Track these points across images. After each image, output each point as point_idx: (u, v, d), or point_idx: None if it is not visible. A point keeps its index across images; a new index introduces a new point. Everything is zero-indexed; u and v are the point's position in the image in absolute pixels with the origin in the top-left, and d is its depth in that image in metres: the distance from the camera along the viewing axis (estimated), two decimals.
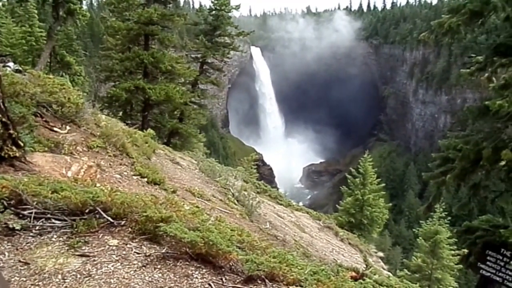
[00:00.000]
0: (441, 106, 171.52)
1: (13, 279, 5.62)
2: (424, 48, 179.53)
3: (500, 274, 15.62)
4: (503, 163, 15.47)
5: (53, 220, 7.04)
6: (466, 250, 18.14)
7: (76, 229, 6.86)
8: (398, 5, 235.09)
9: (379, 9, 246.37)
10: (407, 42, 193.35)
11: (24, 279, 5.64)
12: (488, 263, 15.90)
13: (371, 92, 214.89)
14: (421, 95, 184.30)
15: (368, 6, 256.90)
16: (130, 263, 6.27)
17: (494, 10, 14.63)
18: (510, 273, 15.24)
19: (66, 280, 5.71)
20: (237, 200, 17.00)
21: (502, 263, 15.55)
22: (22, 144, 9.19)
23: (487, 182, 17.31)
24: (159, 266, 6.27)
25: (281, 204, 25.49)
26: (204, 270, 6.36)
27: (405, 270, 35.87)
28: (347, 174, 38.92)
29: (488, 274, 15.95)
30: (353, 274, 9.18)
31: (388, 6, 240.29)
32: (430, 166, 19.22)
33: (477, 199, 17.99)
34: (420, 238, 34.95)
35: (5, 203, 7.01)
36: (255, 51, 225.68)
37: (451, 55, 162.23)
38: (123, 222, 7.25)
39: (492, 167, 16.17)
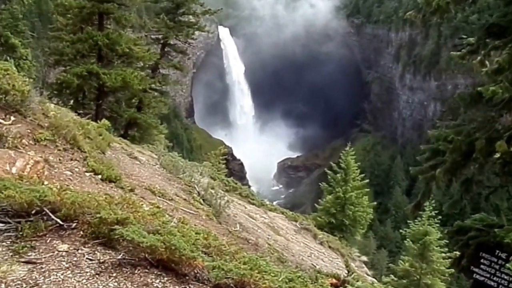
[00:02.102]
0: (430, 92, 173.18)
1: None
2: (411, 29, 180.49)
3: (494, 278, 15.82)
4: (497, 155, 15.65)
5: None
6: (458, 253, 18.34)
7: (21, 233, 6.81)
8: None
9: None
10: (392, 21, 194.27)
11: None
12: (481, 266, 16.11)
13: (353, 77, 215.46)
14: (408, 81, 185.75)
15: None
16: (82, 271, 6.25)
17: None
18: (505, 277, 15.45)
19: None
20: (203, 200, 17.03)
21: (496, 266, 15.76)
22: None
23: (480, 176, 17.50)
24: (114, 274, 6.26)
25: (253, 204, 25.59)
26: (165, 278, 6.38)
27: (391, 275, 36.17)
28: (327, 169, 39.10)
29: (482, 278, 16.16)
30: (334, 281, 9.29)
31: None
32: (419, 159, 19.36)
33: (470, 195, 18.20)
34: (407, 240, 35.24)
35: None
36: (223, 32, 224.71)
37: (441, 36, 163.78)
38: (74, 225, 7.23)
39: (485, 160, 16.35)
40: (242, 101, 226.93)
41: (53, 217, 7.14)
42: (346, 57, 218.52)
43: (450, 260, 27.62)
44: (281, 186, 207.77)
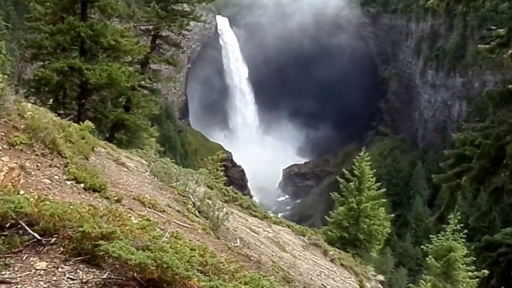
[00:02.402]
0: (455, 90, 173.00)
1: None
2: (433, 19, 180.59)
3: None
4: None
5: None
6: (486, 271, 18.34)
7: None
8: None
9: None
10: (412, 10, 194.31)
11: None
12: None
13: (368, 73, 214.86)
14: (430, 77, 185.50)
15: None
16: None
17: None
18: None
19: None
20: (199, 211, 17.03)
21: None
22: None
23: (511, 185, 17.48)
24: None
25: (255, 216, 25.61)
26: None
27: None
28: (339, 177, 39.08)
29: None
30: None
31: None
32: (442, 166, 19.39)
33: (500, 207, 18.23)
34: (430, 256, 35.20)
35: None
36: (222, 22, 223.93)
37: (467, 27, 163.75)
38: (53, 240, 7.21)
39: None
40: (245, 110, 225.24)
41: (30, 231, 7.13)
42: (360, 51, 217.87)
43: (477, 279, 27.64)
44: (287, 196, 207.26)
